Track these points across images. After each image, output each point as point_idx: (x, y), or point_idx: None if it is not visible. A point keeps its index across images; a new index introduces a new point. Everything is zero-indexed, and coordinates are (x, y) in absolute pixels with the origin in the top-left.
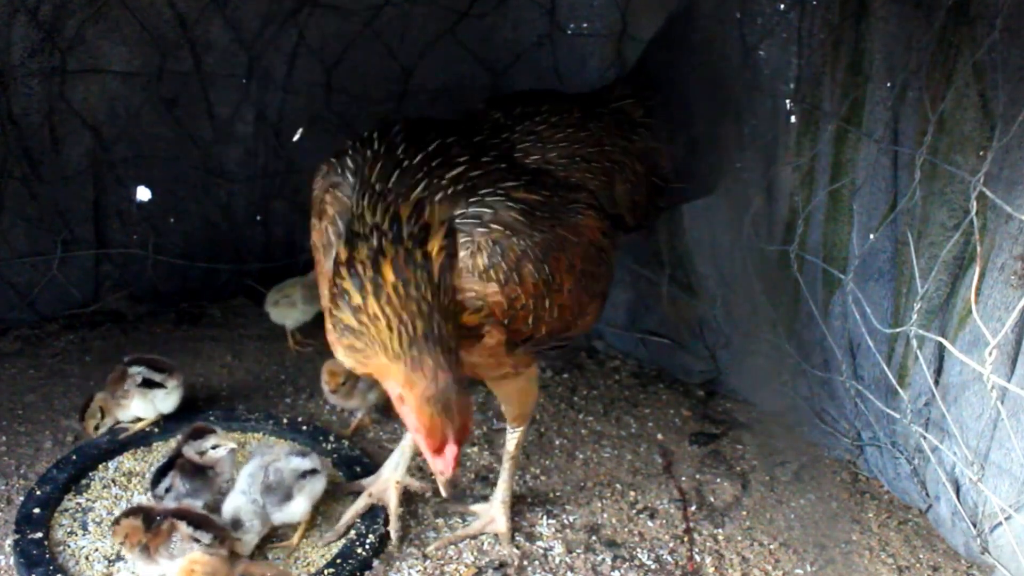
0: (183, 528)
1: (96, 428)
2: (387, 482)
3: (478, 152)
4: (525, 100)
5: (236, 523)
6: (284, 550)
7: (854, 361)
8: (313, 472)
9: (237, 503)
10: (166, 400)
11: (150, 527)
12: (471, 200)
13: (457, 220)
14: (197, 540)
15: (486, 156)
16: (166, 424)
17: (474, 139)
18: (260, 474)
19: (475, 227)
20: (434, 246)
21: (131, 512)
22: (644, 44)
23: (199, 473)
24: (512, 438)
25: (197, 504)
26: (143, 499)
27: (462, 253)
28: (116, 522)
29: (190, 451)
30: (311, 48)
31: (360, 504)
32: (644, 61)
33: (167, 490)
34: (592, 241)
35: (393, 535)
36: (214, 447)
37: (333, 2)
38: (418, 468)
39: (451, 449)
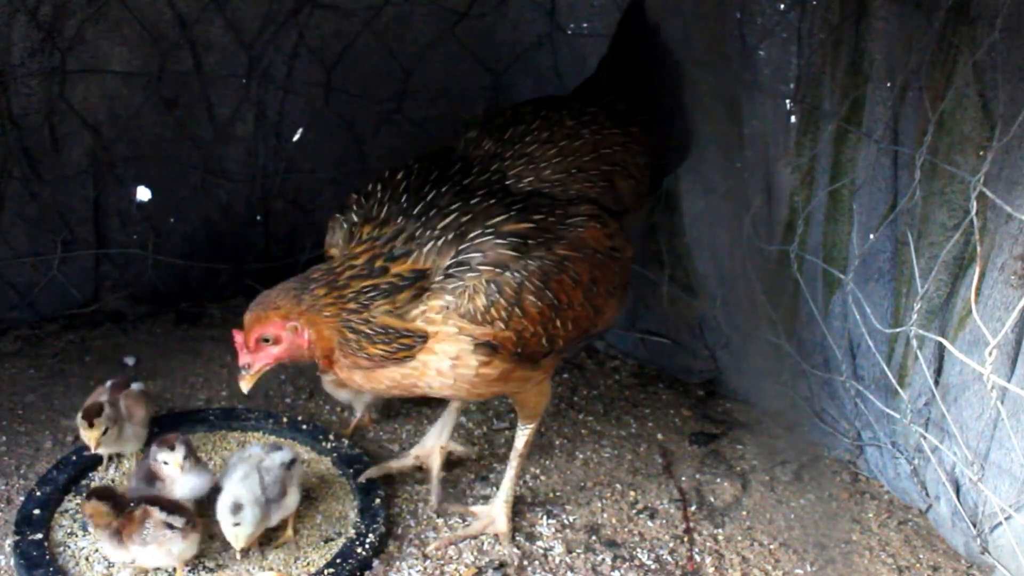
0: (156, 514)
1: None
2: (432, 448)
3: (469, 194)
4: (517, 119)
5: (236, 507)
6: (283, 548)
7: (854, 361)
8: (293, 461)
9: (237, 491)
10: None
11: (121, 512)
12: (461, 247)
13: (450, 269)
14: (170, 525)
15: (475, 196)
16: (165, 423)
17: (465, 180)
18: (255, 475)
19: (466, 272)
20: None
21: (99, 494)
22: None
23: (151, 477)
24: (522, 435)
25: None
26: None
27: (458, 300)
28: (87, 498)
29: (152, 455)
30: (311, 48)
31: (407, 462)
32: (612, 49)
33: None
34: (599, 249)
35: (433, 498)
36: (165, 462)
37: (333, 2)
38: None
39: (236, 334)
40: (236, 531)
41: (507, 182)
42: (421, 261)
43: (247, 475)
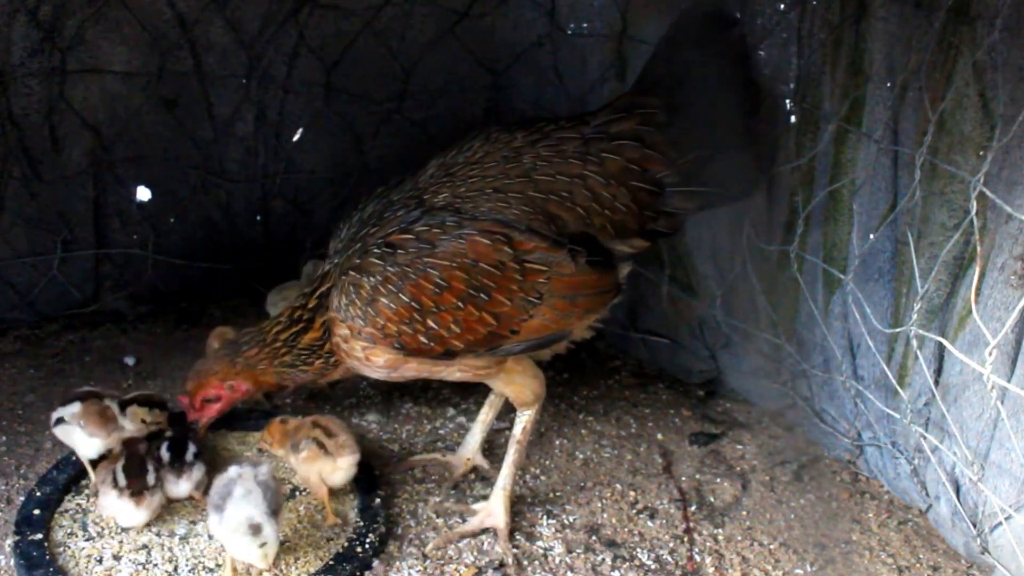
0: (118, 465)
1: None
2: (460, 457)
3: (387, 207)
4: (467, 139)
5: (256, 528)
6: (283, 548)
7: (854, 361)
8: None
9: (248, 512)
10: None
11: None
12: (359, 254)
13: (341, 270)
14: (115, 481)
15: (390, 210)
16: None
17: (393, 196)
18: (257, 491)
19: (342, 275)
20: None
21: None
22: (647, 48)
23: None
24: (519, 422)
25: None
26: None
27: (332, 296)
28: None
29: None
30: (311, 48)
31: (429, 456)
32: (649, 69)
33: (196, 455)
34: (483, 261)
35: (443, 499)
36: None
37: (333, 2)
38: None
39: (182, 397)
40: (263, 551)
41: (424, 196)
42: (334, 274)
43: (248, 492)
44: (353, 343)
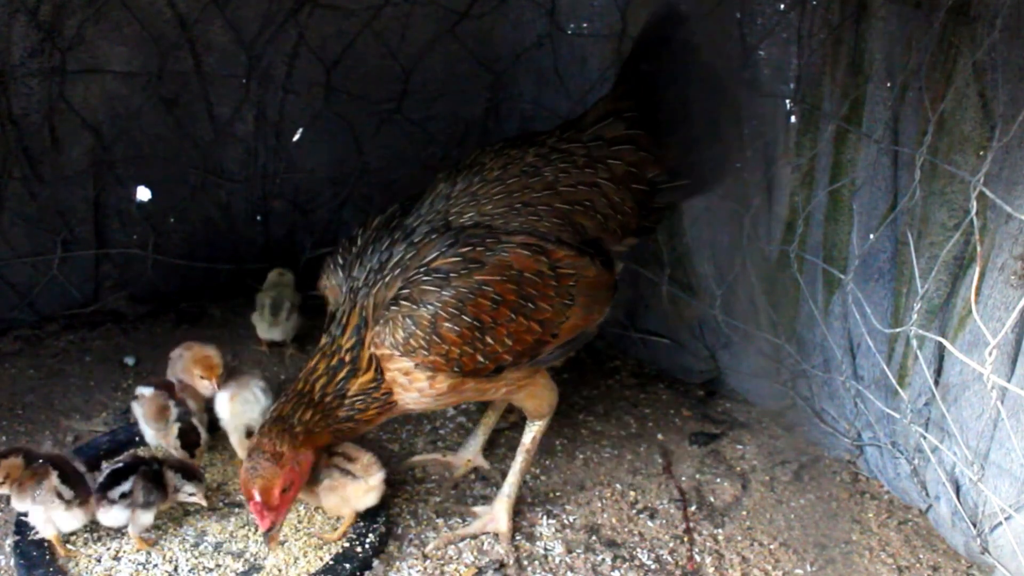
0: (53, 478)
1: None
2: (461, 458)
3: (413, 233)
4: (477, 158)
5: None
6: (283, 547)
7: (854, 361)
8: None
9: None
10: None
11: (29, 465)
12: (400, 286)
13: (387, 303)
14: (60, 495)
15: (418, 235)
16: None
17: (412, 222)
18: None
19: (391, 306)
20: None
21: (12, 452)
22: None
23: (159, 486)
24: (529, 432)
25: (148, 517)
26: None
27: (382, 329)
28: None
29: (172, 478)
30: (311, 48)
31: (429, 456)
32: (622, 73)
33: (122, 495)
34: (527, 271)
35: (443, 499)
36: (191, 494)
37: (333, 2)
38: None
39: (254, 506)
40: None
41: (449, 218)
42: (367, 306)
43: None
44: (416, 375)
